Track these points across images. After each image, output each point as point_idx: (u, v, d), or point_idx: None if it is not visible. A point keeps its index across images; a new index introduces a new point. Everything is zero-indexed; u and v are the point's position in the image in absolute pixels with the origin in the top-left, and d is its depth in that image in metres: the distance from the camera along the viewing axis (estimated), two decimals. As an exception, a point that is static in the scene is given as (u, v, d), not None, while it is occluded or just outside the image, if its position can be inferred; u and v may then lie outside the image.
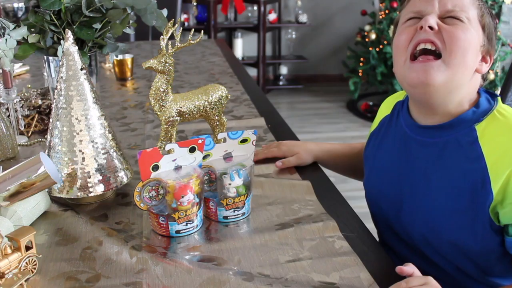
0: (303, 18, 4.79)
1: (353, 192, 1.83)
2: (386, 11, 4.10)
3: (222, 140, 1.08)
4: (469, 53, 0.98)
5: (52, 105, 1.10)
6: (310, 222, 1.05)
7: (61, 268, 0.91)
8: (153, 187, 0.98)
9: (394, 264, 0.92)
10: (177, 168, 1.02)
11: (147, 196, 0.99)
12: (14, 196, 0.97)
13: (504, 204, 0.94)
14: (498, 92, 2.10)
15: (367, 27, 4.27)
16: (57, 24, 1.28)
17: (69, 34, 1.07)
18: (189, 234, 1.01)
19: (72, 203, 1.12)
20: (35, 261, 0.89)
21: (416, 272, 0.88)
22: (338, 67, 4.98)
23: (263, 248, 0.97)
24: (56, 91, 1.08)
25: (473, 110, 1.01)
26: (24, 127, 1.51)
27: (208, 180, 1.07)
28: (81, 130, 1.07)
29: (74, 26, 1.28)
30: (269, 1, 4.67)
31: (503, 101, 1.16)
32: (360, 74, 4.30)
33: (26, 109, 1.55)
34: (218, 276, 0.89)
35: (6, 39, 1.26)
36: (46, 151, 1.11)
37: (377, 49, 4.10)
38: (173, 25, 1.17)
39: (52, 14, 1.27)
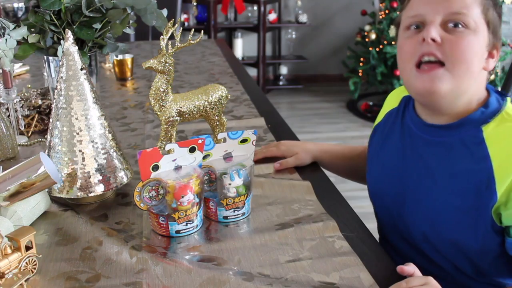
0: (303, 18, 4.80)
1: (353, 192, 1.83)
2: (386, 11, 4.10)
3: (222, 140, 1.08)
4: (474, 61, 0.97)
5: (52, 105, 1.10)
6: (310, 222, 1.05)
7: (61, 268, 0.91)
8: (153, 187, 0.98)
9: (394, 264, 0.93)
10: (177, 168, 1.02)
11: (147, 196, 0.99)
12: (14, 196, 0.97)
13: (508, 205, 0.93)
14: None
15: (367, 27, 4.27)
16: (57, 24, 1.28)
17: (69, 34, 1.07)
18: (189, 234, 1.01)
19: (72, 203, 1.12)
20: (35, 261, 0.89)
21: (417, 272, 0.88)
22: (338, 67, 4.98)
23: (263, 248, 0.97)
24: (56, 91, 1.08)
25: (481, 110, 1.00)
26: (24, 127, 1.51)
27: (208, 180, 1.07)
28: (81, 130, 1.07)
29: (74, 26, 1.28)
30: (269, 1, 4.67)
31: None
32: (360, 74, 4.30)
33: (26, 109, 1.55)
34: (218, 276, 0.89)
35: (6, 39, 1.26)
36: (46, 151, 1.11)
37: (377, 49, 4.10)
38: (173, 25, 1.17)
39: (52, 14, 1.27)
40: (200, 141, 1.01)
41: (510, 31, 3.80)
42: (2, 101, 1.44)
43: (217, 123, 1.26)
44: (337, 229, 1.02)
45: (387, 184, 1.13)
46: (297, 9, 4.87)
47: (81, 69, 1.08)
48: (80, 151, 1.08)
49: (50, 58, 1.36)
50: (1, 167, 1.18)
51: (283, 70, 5.14)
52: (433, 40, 0.96)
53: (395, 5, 4.00)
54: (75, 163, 1.08)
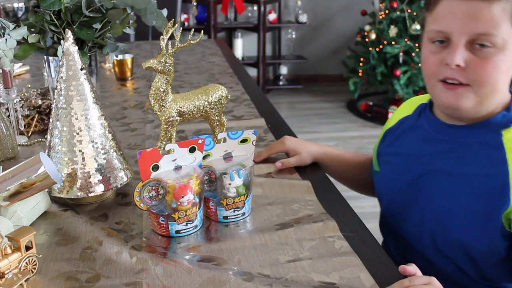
0: (303, 18, 4.80)
1: (353, 192, 1.83)
2: (386, 11, 4.10)
3: (222, 140, 1.08)
4: (499, 81, 0.96)
5: (52, 105, 1.10)
6: (310, 222, 1.05)
7: (61, 268, 0.91)
8: (153, 187, 0.98)
9: (394, 264, 0.93)
10: (177, 168, 1.02)
11: (147, 196, 0.99)
12: (14, 196, 0.97)
13: None
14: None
15: (367, 27, 4.27)
16: (57, 24, 1.28)
17: (69, 34, 1.07)
18: (189, 234, 1.01)
19: (72, 203, 1.12)
20: (35, 261, 0.89)
21: (418, 272, 0.88)
22: (338, 67, 4.98)
23: (263, 248, 0.97)
24: (56, 91, 1.08)
25: (503, 113, 1.00)
26: (24, 127, 1.51)
27: (208, 180, 1.07)
28: (81, 130, 1.07)
29: (74, 26, 1.28)
30: (269, 1, 4.67)
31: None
32: (360, 74, 4.31)
33: (26, 109, 1.55)
34: (218, 276, 0.89)
35: (6, 39, 1.26)
36: (46, 151, 1.11)
37: (377, 49, 4.10)
38: (173, 25, 1.17)
39: (52, 14, 1.27)
40: (200, 141, 1.01)
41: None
42: (2, 101, 1.44)
43: (217, 123, 1.25)
44: (337, 229, 1.02)
45: (397, 182, 1.12)
46: (297, 9, 4.87)
47: (81, 69, 1.08)
48: (80, 151, 1.08)
49: (50, 58, 1.36)
50: (1, 167, 1.18)
51: (283, 70, 5.14)
52: (458, 65, 0.94)
53: (395, 5, 4.00)
54: (75, 163, 1.08)
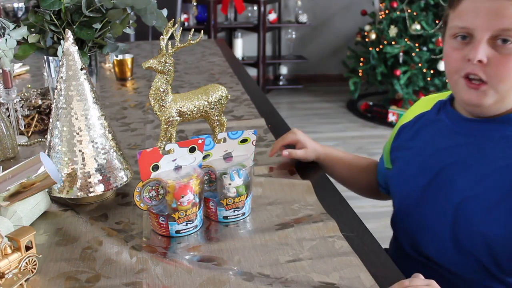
0: (303, 18, 4.80)
1: (353, 192, 1.83)
2: (386, 11, 4.10)
3: (222, 140, 1.08)
4: None
5: (52, 105, 1.10)
6: (310, 222, 1.05)
7: (61, 268, 0.91)
8: (153, 187, 0.98)
9: (394, 264, 0.93)
10: (177, 168, 1.02)
11: (147, 196, 0.99)
12: (14, 196, 0.97)
13: None
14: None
15: (367, 27, 4.27)
16: (57, 24, 1.28)
17: (69, 34, 1.07)
18: (189, 234, 1.01)
19: (72, 203, 1.12)
20: (35, 261, 0.89)
21: (420, 276, 0.88)
22: (338, 67, 4.98)
23: (263, 248, 0.97)
24: (56, 91, 1.08)
25: None
26: (24, 127, 1.51)
27: (208, 180, 1.07)
28: (81, 130, 1.07)
29: (74, 26, 1.28)
30: (269, 1, 4.67)
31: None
32: (360, 74, 4.31)
33: (26, 109, 1.55)
34: (218, 276, 0.89)
35: (6, 39, 1.26)
36: (46, 151, 1.11)
37: (377, 49, 4.10)
38: (173, 25, 1.17)
39: (52, 14, 1.27)
40: (200, 141, 1.01)
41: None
42: (2, 101, 1.44)
43: (217, 123, 1.25)
44: (337, 229, 1.02)
45: (416, 176, 1.11)
46: (297, 9, 4.87)
47: (81, 69, 1.08)
48: (80, 151, 1.08)
49: (50, 58, 1.36)
50: (1, 167, 1.18)
51: (283, 70, 5.14)
52: (480, 61, 0.96)
53: (395, 5, 4.00)
54: (75, 163, 1.08)
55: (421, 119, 1.17)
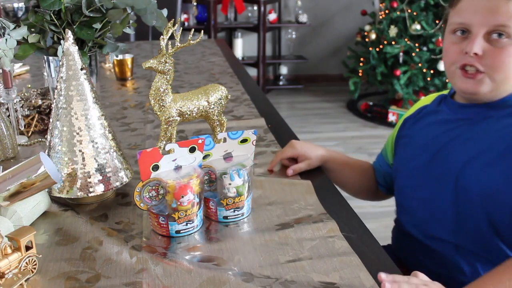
0: (303, 18, 4.80)
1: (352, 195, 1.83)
2: (386, 11, 4.10)
3: (222, 140, 1.08)
4: None
5: (52, 105, 1.10)
6: (310, 222, 1.05)
7: (61, 268, 0.91)
8: (153, 187, 0.98)
9: (394, 264, 0.93)
10: (177, 168, 1.02)
11: (147, 196, 0.99)
12: (14, 196, 0.97)
13: None
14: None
15: (367, 27, 4.27)
16: (57, 24, 1.28)
17: (69, 34, 1.07)
18: (189, 234, 1.01)
19: (72, 203, 1.12)
20: (35, 261, 0.89)
21: (419, 275, 0.88)
22: (338, 67, 4.98)
23: (263, 248, 0.97)
24: (56, 91, 1.08)
25: None
26: (24, 127, 1.51)
27: (208, 180, 1.07)
28: (81, 130, 1.07)
29: (74, 26, 1.28)
30: (269, 1, 4.67)
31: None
32: (360, 74, 4.30)
33: (26, 109, 1.55)
34: (218, 276, 0.89)
35: (6, 39, 1.26)
36: (46, 151, 1.11)
37: (377, 49, 4.10)
38: (173, 25, 1.17)
39: (52, 14, 1.27)
40: (200, 141, 1.01)
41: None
42: (2, 101, 1.44)
43: (217, 123, 1.25)
44: (337, 229, 1.02)
45: (418, 157, 1.17)
46: (297, 9, 4.87)
47: (81, 69, 1.08)
48: (80, 151, 1.08)
49: (50, 58, 1.36)
50: (1, 167, 1.18)
51: (283, 70, 5.14)
52: (476, 53, 1.04)
53: (395, 5, 4.00)
54: (75, 163, 1.08)
55: (423, 110, 1.25)
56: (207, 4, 4.51)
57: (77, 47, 1.08)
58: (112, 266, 0.92)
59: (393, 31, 3.98)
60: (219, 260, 0.93)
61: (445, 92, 1.24)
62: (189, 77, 2.13)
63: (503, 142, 1.04)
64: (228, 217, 1.05)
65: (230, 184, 1.03)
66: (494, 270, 0.91)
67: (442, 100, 1.22)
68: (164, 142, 1.22)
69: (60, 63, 1.08)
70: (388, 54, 3.99)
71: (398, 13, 4.00)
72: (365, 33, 4.25)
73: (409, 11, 3.95)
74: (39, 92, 1.68)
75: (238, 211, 1.06)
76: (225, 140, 1.08)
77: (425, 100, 1.28)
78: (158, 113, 1.20)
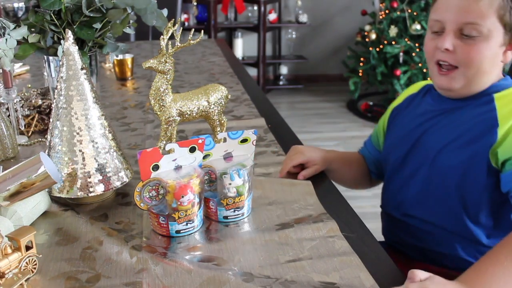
0: (303, 18, 4.79)
1: (353, 192, 1.83)
2: (386, 11, 4.10)
3: (222, 140, 1.08)
4: (484, 64, 1.10)
5: (52, 105, 1.10)
6: (310, 222, 1.05)
7: (61, 268, 0.91)
8: (153, 187, 0.98)
9: (394, 264, 0.93)
10: (177, 168, 1.02)
11: (147, 196, 0.99)
12: (14, 196, 0.97)
13: (504, 142, 1.05)
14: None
15: (367, 27, 4.26)
16: (57, 24, 1.28)
17: (69, 34, 1.07)
18: (189, 234, 1.01)
19: (72, 203, 1.13)
20: (35, 261, 0.89)
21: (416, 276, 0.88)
22: (338, 67, 4.98)
23: (263, 248, 0.97)
24: (56, 91, 1.08)
25: (495, 84, 1.14)
26: (24, 127, 1.51)
27: (208, 180, 1.07)
28: (81, 130, 1.07)
29: (74, 26, 1.28)
30: (269, 1, 4.67)
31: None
32: (360, 74, 4.30)
33: (26, 109, 1.55)
34: (218, 276, 0.89)
35: (6, 39, 1.26)
36: (46, 151, 1.11)
37: (377, 49, 4.10)
38: (173, 25, 1.17)
39: (52, 14, 1.27)
40: (200, 141, 1.01)
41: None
42: (2, 101, 1.44)
43: (217, 123, 1.25)
44: (337, 229, 1.02)
45: (401, 142, 1.24)
46: (297, 9, 4.87)
47: (81, 69, 1.08)
48: (80, 151, 1.08)
49: (50, 58, 1.36)
50: (1, 167, 1.18)
51: (283, 70, 5.14)
52: (447, 49, 1.11)
53: (395, 5, 4.00)
54: (75, 163, 1.08)
55: (408, 100, 1.31)
56: (207, 4, 4.51)
57: (77, 47, 1.08)
58: (112, 266, 0.92)
59: (393, 31, 3.98)
60: (219, 260, 0.93)
61: (431, 81, 1.29)
62: (189, 77, 2.13)
63: (475, 129, 1.10)
64: (228, 217, 1.05)
65: (230, 184, 1.03)
66: (491, 251, 0.93)
67: (427, 91, 1.27)
68: (164, 142, 1.22)
69: (60, 63, 1.08)
70: (388, 54, 3.99)
71: (398, 13, 3.99)
72: (365, 33, 4.25)
73: (409, 11, 3.95)
74: (39, 92, 1.68)
75: (238, 211, 1.06)
76: (225, 140, 1.08)
77: (412, 88, 1.33)
78: (158, 113, 1.20)
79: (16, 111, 1.48)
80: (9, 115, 1.46)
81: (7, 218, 0.98)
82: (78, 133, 1.07)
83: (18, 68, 2.15)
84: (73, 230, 1.03)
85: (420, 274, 0.84)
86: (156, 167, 0.98)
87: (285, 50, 5.12)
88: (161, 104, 1.18)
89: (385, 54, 4.05)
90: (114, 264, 0.92)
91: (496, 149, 1.06)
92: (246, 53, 4.93)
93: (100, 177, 1.09)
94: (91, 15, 1.27)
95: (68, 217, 1.08)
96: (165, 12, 1.34)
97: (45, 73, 1.64)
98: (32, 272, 0.89)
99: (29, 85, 1.90)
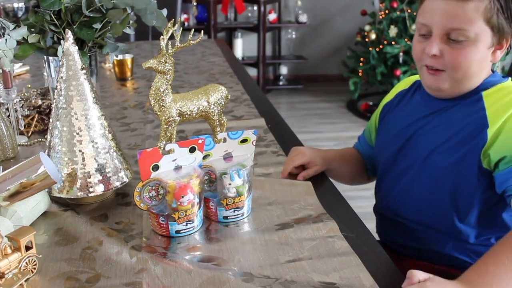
0: (303, 18, 4.79)
1: (353, 192, 1.83)
2: (386, 11, 4.10)
3: (222, 140, 1.08)
4: (471, 67, 1.09)
5: (52, 105, 1.10)
6: (310, 222, 1.05)
7: (61, 268, 0.91)
8: (153, 187, 0.98)
9: (394, 264, 0.93)
10: (177, 168, 1.02)
11: (147, 196, 0.99)
12: (14, 196, 0.97)
13: (495, 143, 1.05)
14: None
15: (367, 27, 4.26)
16: (57, 24, 1.28)
17: (69, 34, 1.07)
18: (189, 234, 1.01)
19: (72, 203, 1.12)
20: (35, 261, 0.89)
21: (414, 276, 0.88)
22: (338, 67, 4.98)
23: (263, 248, 0.97)
24: (56, 91, 1.08)
25: (483, 82, 1.13)
26: (24, 127, 1.51)
27: (208, 180, 1.07)
28: (81, 130, 1.07)
29: (74, 26, 1.28)
30: (269, 1, 4.67)
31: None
32: (360, 74, 4.30)
33: (26, 109, 1.55)
34: (218, 276, 0.89)
35: (6, 39, 1.26)
36: (46, 151, 1.11)
37: (377, 49, 4.10)
38: (173, 25, 1.17)
39: (52, 14, 1.27)
40: (200, 141, 1.01)
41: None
42: (2, 101, 1.44)
43: (217, 123, 1.26)
44: (337, 229, 1.02)
45: (392, 141, 1.24)
46: (297, 9, 4.87)
47: (81, 69, 1.08)
48: (80, 151, 1.08)
49: (50, 58, 1.36)
50: (1, 167, 1.18)
51: (283, 70, 5.14)
52: (434, 55, 1.09)
53: (395, 5, 4.00)
54: (75, 163, 1.08)
55: (399, 97, 1.30)
56: (207, 4, 4.51)
57: (77, 47, 1.08)
58: (112, 266, 0.92)
59: (393, 31, 3.98)
60: (219, 260, 0.93)
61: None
62: (189, 77, 2.13)
63: (465, 130, 1.09)
64: (228, 217, 1.05)
65: (230, 184, 1.03)
66: (492, 250, 0.93)
67: (417, 87, 1.26)
68: (164, 142, 1.23)
69: (60, 63, 1.08)
70: (388, 54, 3.99)
71: (398, 13, 3.99)
72: (365, 33, 4.25)
73: (409, 11, 3.95)
74: (39, 92, 1.68)
75: (238, 211, 1.06)
76: (225, 140, 1.08)
77: (403, 84, 1.32)
78: (158, 113, 1.20)
79: (16, 111, 1.48)
80: (9, 115, 1.46)
81: (7, 218, 0.98)
82: (78, 133, 1.07)
83: (18, 68, 2.15)
84: (73, 230, 1.03)
85: (419, 274, 0.84)
86: (156, 167, 0.98)
87: (285, 50, 5.12)
88: (161, 104, 1.18)
89: (385, 54, 4.05)
90: (114, 264, 0.92)
91: (488, 150, 1.05)
92: (246, 53, 4.93)
93: (100, 177, 1.09)
94: (91, 15, 1.27)
95: (68, 217, 1.08)
96: (165, 12, 1.34)
97: (45, 73, 1.64)
98: (32, 272, 0.89)
99: (29, 85, 1.90)
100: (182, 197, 0.97)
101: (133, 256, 0.95)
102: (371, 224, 1.16)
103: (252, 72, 4.49)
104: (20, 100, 1.53)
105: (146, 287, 0.87)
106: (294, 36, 4.87)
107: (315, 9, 4.99)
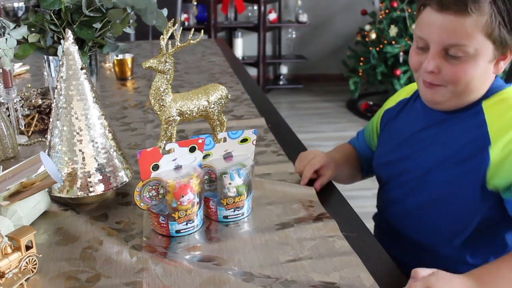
0: (303, 17, 4.79)
1: (353, 192, 1.83)
2: (386, 11, 4.09)
3: (222, 139, 1.08)
4: (472, 81, 1.04)
5: (52, 105, 1.10)
6: (310, 221, 1.05)
7: (61, 268, 0.91)
8: (153, 187, 0.98)
9: (394, 264, 0.93)
10: (177, 167, 1.02)
11: (147, 196, 0.99)
12: (14, 195, 0.97)
13: (504, 166, 1.00)
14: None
15: (367, 27, 4.26)
16: (57, 23, 1.28)
17: (69, 34, 1.07)
18: (189, 234, 1.01)
19: (72, 203, 1.12)
20: (35, 260, 0.89)
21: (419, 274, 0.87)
22: (338, 67, 4.97)
23: (263, 248, 0.97)
24: (56, 90, 1.08)
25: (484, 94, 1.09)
26: (24, 126, 1.51)
27: (208, 180, 1.07)
28: (81, 130, 1.07)
29: (74, 26, 1.28)
30: (269, 0, 4.67)
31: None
32: (360, 74, 4.30)
33: (26, 109, 1.55)
34: (218, 276, 0.89)
35: (6, 39, 1.26)
36: (46, 150, 1.11)
37: (377, 49, 4.10)
38: (173, 25, 1.17)
39: (52, 14, 1.27)
40: (200, 141, 1.01)
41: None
42: (2, 101, 1.44)
43: (217, 122, 1.25)
44: (337, 229, 1.02)
45: (392, 153, 1.22)
46: (297, 9, 4.87)
47: (81, 69, 1.08)
48: (80, 150, 1.08)
49: (50, 57, 1.36)
50: (1, 166, 1.18)
51: (283, 69, 5.14)
52: (431, 71, 1.05)
53: (395, 5, 4.00)
54: (75, 163, 1.08)
55: (400, 105, 1.27)
56: (207, 3, 4.51)
57: (77, 47, 1.08)
58: (112, 265, 0.92)
59: (393, 30, 3.98)
60: (219, 260, 0.93)
61: None
62: (189, 77, 2.13)
63: (466, 148, 1.06)
64: (228, 217, 1.05)
65: (230, 183, 1.03)
66: (509, 254, 0.93)
67: (418, 96, 1.21)
68: (164, 142, 1.22)
69: (60, 62, 1.08)
70: (388, 54, 3.98)
71: (398, 12, 3.99)
72: (365, 33, 4.25)
73: (409, 10, 3.95)
74: (39, 91, 1.68)
75: (238, 210, 1.06)
76: (225, 139, 1.08)
77: (405, 92, 1.29)
78: (158, 112, 1.20)
79: (16, 111, 1.48)
80: (9, 115, 1.46)
81: (7, 218, 0.98)
82: (78, 133, 1.07)
83: (18, 68, 2.15)
84: (73, 230, 1.03)
85: (422, 271, 0.85)
86: (156, 167, 0.98)
87: (285, 50, 5.11)
88: (161, 104, 1.18)
89: (385, 54, 4.05)
90: (114, 264, 0.92)
91: (495, 172, 1.01)
92: (246, 53, 4.93)
93: (100, 177, 1.09)
94: (91, 15, 1.27)
95: (68, 217, 1.08)
96: (165, 12, 1.34)
97: (45, 73, 1.64)
98: (32, 272, 0.89)
99: (29, 85, 1.90)
100: (182, 196, 0.97)
101: (133, 255, 0.95)
102: (371, 224, 1.16)
103: (252, 71, 4.49)
104: (20, 100, 1.53)
105: (146, 287, 0.87)
106: (294, 35, 4.87)
107: (315, 8, 4.99)
